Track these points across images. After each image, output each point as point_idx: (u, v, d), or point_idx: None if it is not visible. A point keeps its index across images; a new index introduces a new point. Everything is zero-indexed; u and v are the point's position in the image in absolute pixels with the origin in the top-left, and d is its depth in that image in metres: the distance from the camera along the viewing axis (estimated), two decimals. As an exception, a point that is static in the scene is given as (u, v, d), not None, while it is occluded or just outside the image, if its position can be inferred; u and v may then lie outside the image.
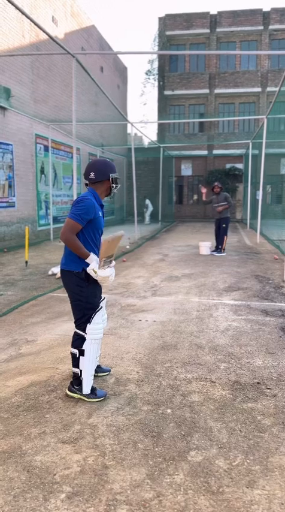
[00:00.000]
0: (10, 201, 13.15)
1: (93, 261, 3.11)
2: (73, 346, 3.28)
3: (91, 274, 3.13)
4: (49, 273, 8.40)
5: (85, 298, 3.21)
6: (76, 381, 3.28)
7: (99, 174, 3.27)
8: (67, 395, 3.30)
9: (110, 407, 3.12)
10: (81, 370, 3.22)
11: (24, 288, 7.22)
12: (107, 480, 2.33)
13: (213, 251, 11.25)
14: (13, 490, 2.25)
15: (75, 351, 3.25)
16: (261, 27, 26.48)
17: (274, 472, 2.41)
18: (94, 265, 3.11)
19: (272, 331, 4.93)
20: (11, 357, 4.20)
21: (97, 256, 3.18)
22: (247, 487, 2.27)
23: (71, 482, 2.31)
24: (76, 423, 2.91)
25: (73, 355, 3.28)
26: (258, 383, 3.56)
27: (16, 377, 3.68)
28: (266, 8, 26.63)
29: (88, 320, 3.22)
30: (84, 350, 3.21)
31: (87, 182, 3.34)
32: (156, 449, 2.62)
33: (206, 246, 11.36)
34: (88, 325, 3.21)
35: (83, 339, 3.22)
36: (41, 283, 7.64)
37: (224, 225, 11.13)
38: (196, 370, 3.81)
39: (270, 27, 26.47)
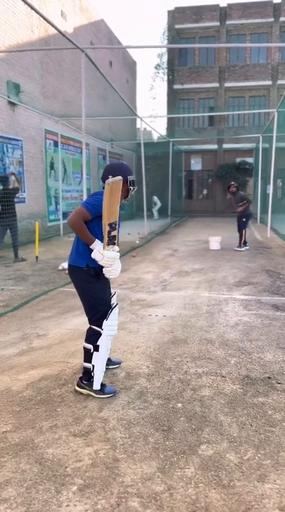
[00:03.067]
0: (20, 196, 13.21)
1: (97, 245, 3.08)
2: (87, 341, 3.26)
3: (96, 258, 3.05)
4: (60, 267, 8.43)
5: (95, 295, 3.21)
6: (86, 375, 3.27)
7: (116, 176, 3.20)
8: (76, 390, 3.30)
9: (121, 401, 3.14)
10: (93, 366, 3.22)
11: (34, 283, 7.26)
12: (118, 473, 2.35)
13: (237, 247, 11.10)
14: (25, 482, 2.28)
15: (90, 346, 3.23)
16: (271, 19, 26.14)
17: (285, 466, 2.41)
18: (99, 248, 3.06)
19: (282, 326, 4.91)
20: (22, 351, 4.23)
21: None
22: (258, 481, 2.28)
23: (83, 475, 2.33)
24: (87, 417, 2.94)
25: (86, 350, 3.27)
26: (268, 377, 3.55)
27: (28, 371, 3.71)
28: (277, 0, 26.15)
29: (104, 316, 3.21)
30: (98, 346, 3.21)
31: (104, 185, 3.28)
32: (167, 443, 2.63)
33: (216, 241, 11.31)
34: (105, 321, 3.20)
35: (98, 335, 3.21)
36: (52, 278, 7.69)
37: (244, 219, 11.03)
38: (206, 365, 3.81)
39: (281, 19, 26.12)
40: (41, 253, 10.22)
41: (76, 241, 3.25)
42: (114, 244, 3.18)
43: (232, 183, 11.17)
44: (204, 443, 2.62)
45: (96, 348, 3.21)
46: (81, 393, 3.26)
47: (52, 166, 15.47)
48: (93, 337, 3.23)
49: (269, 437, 2.69)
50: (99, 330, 3.21)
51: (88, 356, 3.26)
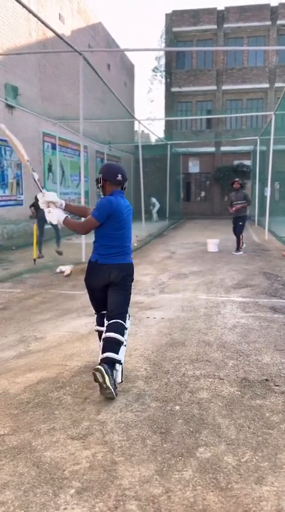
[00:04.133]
0: (18, 199, 13.22)
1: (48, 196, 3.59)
2: (118, 333, 3.25)
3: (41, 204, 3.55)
4: (57, 270, 8.43)
5: (131, 291, 3.46)
6: (110, 365, 3.14)
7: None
8: (97, 370, 3.01)
9: (118, 404, 3.14)
10: (120, 360, 3.22)
11: (32, 286, 7.26)
12: (116, 476, 2.34)
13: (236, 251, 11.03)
14: (23, 485, 2.27)
15: (123, 339, 3.27)
16: (269, 23, 26.25)
17: (283, 468, 2.41)
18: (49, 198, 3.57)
19: (280, 328, 4.92)
20: (20, 353, 4.23)
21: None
22: (256, 484, 2.28)
23: (80, 478, 2.33)
24: (85, 419, 2.93)
25: (117, 340, 3.22)
26: (266, 380, 3.55)
27: (25, 374, 3.71)
28: (274, 3, 26.32)
29: (128, 316, 3.42)
30: (126, 340, 3.34)
31: (122, 187, 3.49)
32: (165, 445, 2.63)
33: (214, 243, 11.31)
34: (127, 320, 3.39)
35: (125, 329, 3.32)
36: (50, 280, 7.68)
37: (241, 223, 10.90)
38: (204, 367, 3.82)
39: (278, 22, 26.24)
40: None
41: (123, 240, 3.39)
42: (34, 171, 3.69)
43: (236, 179, 11.11)
44: (202, 446, 2.62)
45: (125, 343, 3.31)
46: (98, 377, 3.01)
47: (50, 169, 15.48)
48: (122, 330, 3.29)
49: (267, 439, 2.69)
50: (126, 325, 3.35)
51: (117, 347, 3.22)
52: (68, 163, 17.22)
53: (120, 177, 3.39)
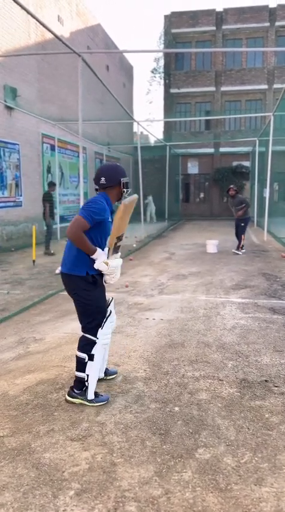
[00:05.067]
0: (17, 200, 13.21)
1: (101, 255, 3.05)
2: (81, 350, 3.17)
3: (101, 267, 3.05)
4: (57, 271, 8.42)
5: (94, 302, 3.13)
6: (79, 385, 3.18)
7: (109, 179, 3.16)
8: (67, 401, 3.19)
9: (118, 405, 3.14)
10: (87, 375, 3.14)
11: (31, 287, 7.25)
12: (115, 477, 2.34)
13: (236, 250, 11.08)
14: (22, 487, 2.27)
15: (84, 356, 3.15)
16: (267, 24, 26.29)
17: (282, 469, 2.41)
18: (103, 258, 3.05)
19: (279, 329, 4.92)
20: (19, 355, 4.22)
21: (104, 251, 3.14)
22: (255, 485, 2.28)
23: (80, 479, 2.33)
24: (84, 421, 2.93)
25: (80, 359, 3.17)
26: (266, 381, 3.56)
27: (25, 375, 3.71)
28: (273, 5, 26.37)
29: (100, 325, 3.15)
30: (93, 355, 3.13)
31: (97, 187, 3.23)
32: (164, 446, 2.63)
33: (213, 244, 11.32)
34: (100, 330, 3.15)
35: (93, 344, 3.14)
36: (49, 281, 7.68)
37: (243, 224, 10.96)
38: (204, 368, 3.82)
39: (277, 23, 26.28)
40: (38, 257, 10.19)
41: (73, 249, 3.13)
42: (117, 252, 3.24)
43: (231, 186, 11.13)
44: (201, 447, 2.62)
45: (91, 358, 3.13)
46: (73, 403, 3.16)
47: (49, 170, 15.48)
48: (87, 346, 3.15)
49: (266, 440, 2.69)
50: (94, 338, 3.14)
51: (81, 366, 3.16)
52: (67, 165, 17.23)
53: (103, 180, 3.18)
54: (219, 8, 27.02)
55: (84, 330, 3.20)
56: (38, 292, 6.84)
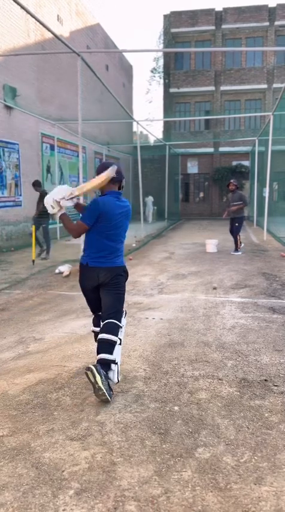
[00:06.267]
0: (17, 200, 13.20)
1: (62, 190, 3.35)
2: (112, 333, 3.25)
3: (48, 201, 3.32)
4: (56, 271, 8.42)
5: (125, 292, 3.45)
6: (105, 366, 3.17)
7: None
8: (89, 369, 3.02)
9: (117, 405, 3.14)
10: (115, 359, 3.20)
11: (31, 287, 7.25)
12: (115, 477, 2.34)
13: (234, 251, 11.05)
14: (22, 487, 2.27)
15: (116, 339, 3.25)
16: (267, 23, 26.31)
17: (282, 468, 2.41)
18: (62, 193, 3.33)
19: (279, 329, 4.92)
20: (19, 355, 4.22)
21: None
22: (255, 484, 2.28)
23: (79, 479, 2.33)
24: (84, 420, 2.93)
25: (110, 341, 3.22)
26: (265, 380, 3.56)
27: (24, 375, 3.71)
28: (272, 4, 26.32)
29: (124, 313, 3.43)
30: (121, 339, 3.32)
31: (119, 186, 3.45)
32: (164, 446, 2.63)
33: (212, 243, 11.31)
34: (123, 318, 3.39)
35: (119, 328, 3.30)
36: (48, 281, 7.68)
37: (237, 224, 10.86)
38: (203, 368, 3.82)
39: (276, 23, 26.30)
40: (37, 257, 10.20)
41: (113, 243, 3.35)
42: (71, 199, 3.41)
43: (231, 180, 10.97)
44: (201, 446, 2.62)
45: (120, 341, 3.29)
46: (89, 376, 3.01)
47: (48, 170, 15.47)
48: (116, 330, 3.28)
49: (266, 439, 2.69)
50: (120, 324, 3.33)
51: (111, 348, 3.22)
52: (67, 164, 17.22)
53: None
54: (218, 8, 27.10)
55: (112, 316, 3.32)
56: (37, 292, 6.84)
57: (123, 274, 3.42)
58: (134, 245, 12.63)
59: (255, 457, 2.51)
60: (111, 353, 3.20)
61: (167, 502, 2.14)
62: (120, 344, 3.30)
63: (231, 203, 10.85)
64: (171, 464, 2.45)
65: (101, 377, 3.02)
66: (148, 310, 5.78)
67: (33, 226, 9.55)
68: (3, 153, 12.31)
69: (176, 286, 7.24)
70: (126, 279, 3.47)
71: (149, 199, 23.54)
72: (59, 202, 3.30)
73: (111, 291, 3.34)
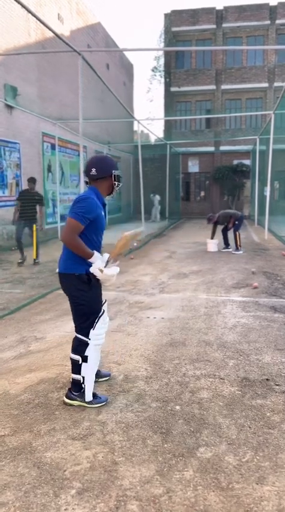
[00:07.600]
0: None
1: (97, 259, 2.99)
2: (74, 352, 3.13)
3: (96, 273, 2.99)
4: (57, 270, 8.40)
5: (87, 303, 3.07)
6: (76, 387, 3.14)
7: (100, 170, 3.12)
8: (65, 403, 3.14)
9: (119, 404, 3.13)
10: (83, 377, 3.10)
11: (32, 286, 7.25)
12: (117, 476, 2.34)
13: (229, 249, 11.19)
14: (24, 486, 2.27)
15: (77, 357, 3.10)
16: (268, 22, 26.24)
17: (284, 468, 2.40)
18: (99, 264, 2.99)
19: (280, 328, 4.91)
20: (20, 354, 4.22)
21: (101, 255, 3.11)
22: (257, 483, 2.27)
23: (81, 478, 2.32)
24: (85, 420, 2.93)
25: (74, 361, 3.14)
26: (267, 379, 3.55)
27: (26, 374, 3.70)
28: (273, 3, 26.28)
29: (92, 325, 3.09)
30: (87, 356, 3.08)
31: (88, 180, 3.18)
32: (165, 445, 2.62)
33: (213, 243, 11.32)
34: (91, 330, 3.08)
35: (86, 345, 3.08)
36: (49, 280, 7.67)
37: (236, 222, 11.01)
38: (205, 367, 3.81)
39: (277, 21, 26.22)
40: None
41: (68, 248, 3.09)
42: (116, 261, 3.20)
43: (208, 216, 11.31)
44: (203, 446, 2.62)
45: (85, 359, 3.08)
46: (71, 405, 3.12)
47: (49, 169, 15.47)
48: (80, 347, 3.10)
49: (268, 439, 2.69)
50: (86, 339, 3.09)
51: (76, 367, 3.13)
52: (67, 164, 17.21)
53: (93, 171, 3.13)
54: (219, 6, 26.95)
55: (76, 330, 3.15)
56: (38, 291, 6.84)
57: (76, 283, 3.04)
58: (135, 244, 12.62)
59: (257, 457, 2.51)
60: (78, 373, 3.12)
61: (169, 502, 2.14)
62: (86, 361, 3.08)
63: (226, 224, 11.15)
64: (173, 464, 2.44)
65: (77, 400, 3.14)
66: (149, 309, 5.78)
67: (34, 226, 9.54)
68: (4, 153, 12.31)
69: (177, 285, 7.24)
70: (89, 289, 3.06)
71: (156, 198, 23.59)
72: (103, 271, 3.03)
73: (70, 302, 3.15)
